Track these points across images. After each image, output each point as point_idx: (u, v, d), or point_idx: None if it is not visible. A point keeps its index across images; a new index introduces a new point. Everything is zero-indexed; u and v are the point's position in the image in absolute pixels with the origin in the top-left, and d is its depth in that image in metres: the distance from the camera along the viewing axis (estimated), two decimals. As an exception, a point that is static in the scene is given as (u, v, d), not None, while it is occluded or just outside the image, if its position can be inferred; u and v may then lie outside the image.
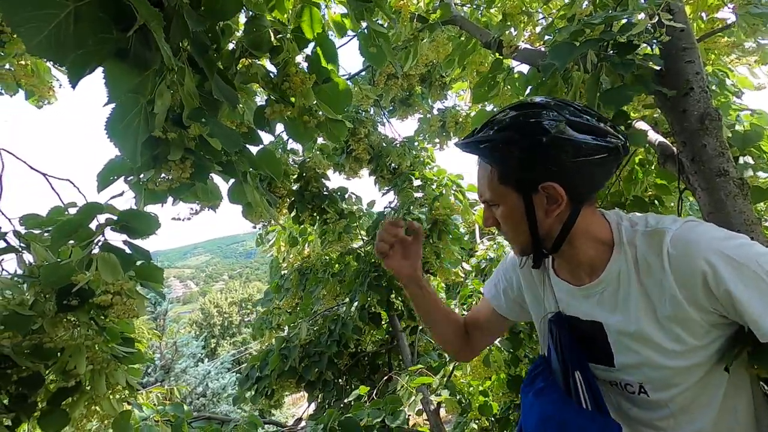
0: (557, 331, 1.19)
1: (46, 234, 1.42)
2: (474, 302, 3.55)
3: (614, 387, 1.13)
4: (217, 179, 1.61)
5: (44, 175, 1.59)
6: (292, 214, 3.63)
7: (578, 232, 1.07)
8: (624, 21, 1.54)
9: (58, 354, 1.31)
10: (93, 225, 1.34)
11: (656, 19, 1.47)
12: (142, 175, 1.40)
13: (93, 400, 1.37)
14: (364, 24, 1.70)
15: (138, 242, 1.39)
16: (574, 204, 1.05)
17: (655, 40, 1.53)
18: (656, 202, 2.06)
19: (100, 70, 0.99)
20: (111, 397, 1.39)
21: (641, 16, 1.51)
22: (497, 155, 1.04)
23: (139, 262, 1.40)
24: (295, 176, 3.63)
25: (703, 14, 1.98)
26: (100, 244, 1.33)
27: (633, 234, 1.05)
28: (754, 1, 1.67)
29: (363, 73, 4.16)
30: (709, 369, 1.02)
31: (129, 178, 1.42)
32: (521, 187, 1.05)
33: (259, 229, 3.55)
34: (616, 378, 1.11)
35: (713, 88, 2.06)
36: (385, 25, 1.68)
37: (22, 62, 2.10)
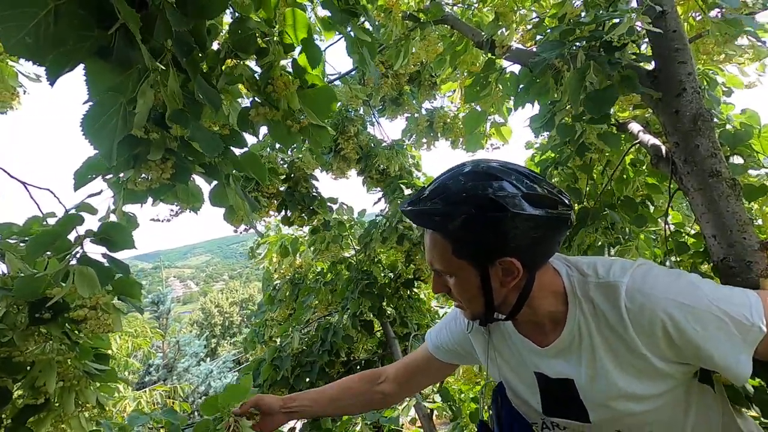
0: (501, 403, 1.20)
1: (22, 244, 1.39)
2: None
3: None
4: (199, 181, 1.58)
5: (23, 183, 1.56)
6: (281, 214, 3.59)
7: (534, 295, 1.06)
8: (616, 21, 1.54)
9: (28, 369, 1.28)
10: (72, 236, 1.31)
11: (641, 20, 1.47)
12: (121, 174, 1.37)
13: (61, 419, 1.33)
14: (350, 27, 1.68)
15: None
16: (530, 273, 1.04)
17: (645, 41, 1.52)
18: (647, 202, 2.05)
19: (81, 72, 0.98)
20: (80, 415, 1.35)
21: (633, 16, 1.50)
22: (453, 229, 0.99)
23: (117, 276, 1.37)
24: (284, 176, 3.60)
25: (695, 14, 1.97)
26: (78, 256, 1.30)
27: (586, 286, 1.04)
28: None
29: (353, 72, 4.13)
30: (682, 404, 1.04)
31: (108, 177, 1.39)
32: (477, 261, 1.01)
33: (244, 231, 3.56)
34: (595, 429, 1.10)
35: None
36: (373, 25, 1.65)
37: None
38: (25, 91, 2.30)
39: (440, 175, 1.06)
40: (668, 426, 1.04)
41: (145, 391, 9.18)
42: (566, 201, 1.02)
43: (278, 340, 4.15)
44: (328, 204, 3.82)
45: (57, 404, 1.34)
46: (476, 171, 1.01)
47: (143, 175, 1.33)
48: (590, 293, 1.03)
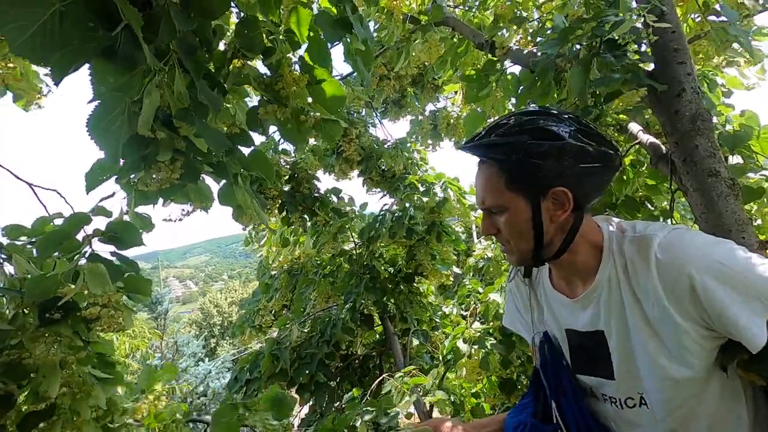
0: (548, 351, 1.20)
1: (29, 246, 1.38)
2: (472, 302, 3.51)
3: (614, 405, 1.11)
4: (208, 180, 1.58)
5: (30, 185, 1.56)
6: (282, 215, 3.61)
7: (577, 240, 1.08)
8: (617, 19, 1.54)
9: (32, 375, 1.26)
10: (80, 236, 1.32)
11: (643, 20, 1.48)
12: (132, 176, 1.36)
13: (67, 425, 1.31)
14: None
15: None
16: (577, 211, 1.06)
17: (645, 41, 1.53)
18: (647, 203, 2.06)
19: (86, 72, 0.98)
20: (91, 422, 1.34)
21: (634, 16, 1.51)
22: (510, 158, 1.02)
23: (126, 274, 1.36)
24: (287, 177, 3.62)
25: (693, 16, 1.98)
26: (87, 255, 1.30)
27: (622, 240, 1.06)
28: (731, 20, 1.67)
29: (355, 74, 4.13)
30: (706, 382, 1.01)
31: (120, 178, 1.38)
32: (531, 191, 1.04)
33: (251, 230, 3.54)
34: (616, 393, 1.09)
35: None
36: (368, 36, 1.64)
37: (11, 65, 2.04)
38: (49, 90, 2.25)
39: (495, 119, 1.11)
40: (693, 408, 1.02)
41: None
42: (615, 145, 1.06)
43: (275, 331, 4.12)
44: (331, 195, 3.83)
45: (65, 409, 1.31)
46: (531, 110, 1.07)
47: (154, 176, 1.33)
48: (624, 247, 1.04)
